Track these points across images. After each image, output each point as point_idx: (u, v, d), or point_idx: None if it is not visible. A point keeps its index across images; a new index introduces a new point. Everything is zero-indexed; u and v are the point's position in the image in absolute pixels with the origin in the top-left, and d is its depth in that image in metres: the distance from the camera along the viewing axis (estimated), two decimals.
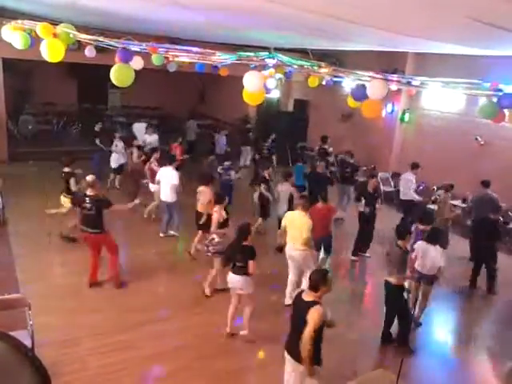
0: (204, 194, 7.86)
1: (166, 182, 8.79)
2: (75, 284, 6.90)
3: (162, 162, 9.41)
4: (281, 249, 7.43)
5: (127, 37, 6.29)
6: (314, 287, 4.14)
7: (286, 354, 4.34)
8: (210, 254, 6.77)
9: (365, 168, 13.10)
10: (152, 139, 12.59)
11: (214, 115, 19.75)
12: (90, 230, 6.74)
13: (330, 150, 12.73)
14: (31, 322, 4.84)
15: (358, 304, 7.70)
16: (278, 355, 4.65)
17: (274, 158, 13.70)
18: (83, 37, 5.53)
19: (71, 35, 5.18)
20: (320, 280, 4.14)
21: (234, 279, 5.79)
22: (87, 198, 6.69)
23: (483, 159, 10.88)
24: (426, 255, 6.38)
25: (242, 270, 5.67)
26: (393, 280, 5.96)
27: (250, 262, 5.58)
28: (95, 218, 6.69)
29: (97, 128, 12.35)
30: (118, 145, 11.55)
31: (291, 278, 6.91)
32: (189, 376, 5.28)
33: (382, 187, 12.12)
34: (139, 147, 11.22)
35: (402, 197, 10.45)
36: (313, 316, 3.93)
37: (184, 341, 5.89)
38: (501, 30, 3.87)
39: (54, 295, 6.65)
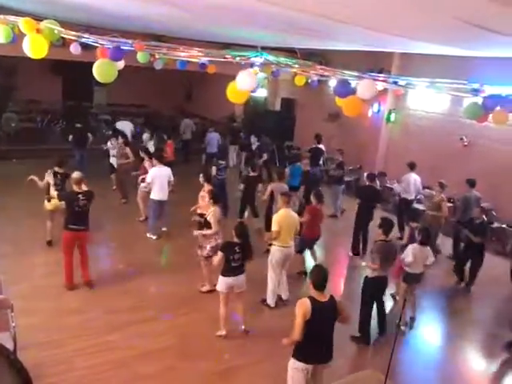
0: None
1: (163, 181, 8.64)
2: (59, 285, 6.80)
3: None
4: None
5: (113, 34, 6.22)
6: (322, 286, 4.17)
7: (310, 366, 4.24)
8: (206, 256, 6.77)
9: (351, 167, 13.16)
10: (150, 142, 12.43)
11: (201, 113, 19.66)
12: (81, 228, 6.60)
13: (323, 149, 12.75)
14: (14, 324, 4.75)
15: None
16: (264, 353, 4.66)
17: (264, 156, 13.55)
18: (68, 33, 5.44)
19: (55, 31, 5.08)
20: (327, 276, 4.22)
21: (239, 280, 5.87)
22: (80, 195, 6.51)
23: (468, 159, 11.01)
24: (420, 256, 6.47)
25: (243, 269, 5.84)
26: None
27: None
28: (87, 214, 6.63)
29: (78, 125, 12.28)
30: (113, 144, 11.32)
31: (276, 277, 6.84)
32: (175, 376, 5.24)
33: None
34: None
35: (407, 197, 10.36)
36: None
37: (170, 341, 5.85)
38: (487, 31, 3.90)
39: (38, 296, 6.55)
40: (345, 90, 5.17)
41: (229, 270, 5.76)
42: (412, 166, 10.36)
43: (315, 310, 4.05)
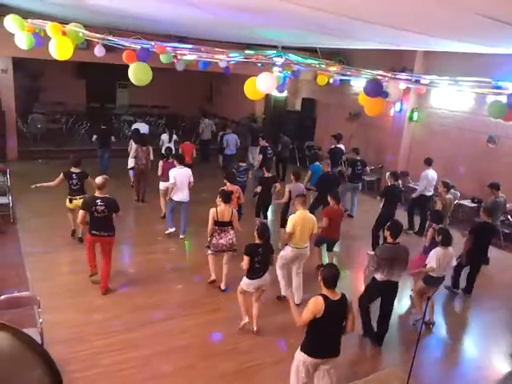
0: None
1: (184, 181, 8.69)
2: (84, 282, 6.94)
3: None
4: None
5: (136, 36, 6.32)
6: (333, 283, 4.21)
7: (317, 360, 4.32)
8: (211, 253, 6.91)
9: (372, 167, 13.05)
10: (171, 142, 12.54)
11: (222, 114, 19.77)
12: (103, 234, 6.54)
13: (343, 148, 12.69)
14: (40, 320, 4.88)
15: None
16: (285, 352, 4.67)
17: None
18: (92, 36, 5.55)
19: (80, 34, 5.19)
20: (338, 275, 4.25)
21: (265, 280, 5.94)
22: (99, 201, 6.46)
23: (492, 158, 10.80)
24: (443, 259, 6.34)
25: (267, 268, 5.91)
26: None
27: (273, 256, 5.98)
28: (107, 220, 6.53)
29: (103, 126, 12.49)
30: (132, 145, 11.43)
31: (281, 272, 6.92)
32: (195, 375, 5.29)
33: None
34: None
35: (426, 193, 10.24)
36: (351, 307, 4.29)
37: (191, 339, 5.90)
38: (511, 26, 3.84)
39: (64, 293, 6.69)
40: (376, 89, 5.13)
41: (253, 271, 5.81)
42: (429, 162, 10.24)
43: (328, 308, 4.10)
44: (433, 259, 6.31)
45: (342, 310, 4.23)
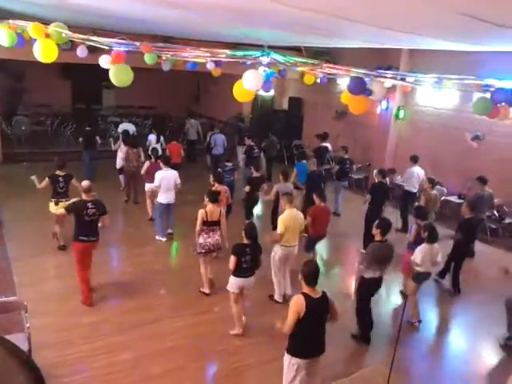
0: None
1: (170, 183, 8.63)
2: (71, 286, 6.84)
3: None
4: None
5: (120, 36, 6.26)
6: (314, 280, 4.21)
7: (305, 360, 4.32)
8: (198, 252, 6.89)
9: (360, 165, 13.12)
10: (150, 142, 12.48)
11: (209, 114, 19.73)
12: (92, 239, 6.38)
13: (329, 147, 12.76)
14: (28, 325, 4.82)
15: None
16: (276, 351, 4.68)
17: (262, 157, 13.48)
18: (76, 36, 5.49)
19: (63, 35, 5.13)
20: (318, 272, 4.26)
21: (250, 281, 5.94)
22: (89, 204, 6.28)
23: (479, 154, 10.91)
24: (429, 255, 6.41)
25: (254, 270, 5.91)
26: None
27: (260, 257, 5.93)
28: (97, 223, 6.41)
29: (88, 128, 12.43)
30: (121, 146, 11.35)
31: (279, 273, 6.91)
32: (185, 376, 5.27)
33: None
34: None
35: (409, 189, 10.42)
36: (333, 315, 4.32)
37: (180, 341, 5.87)
38: (494, 25, 3.88)
39: (51, 297, 6.63)
40: (359, 87, 5.14)
41: (240, 271, 5.79)
42: (415, 159, 10.40)
43: (309, 306, 4.10)
44: (418, 255, 6.36)
45: (323, 307, 4.24)
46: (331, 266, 8.84)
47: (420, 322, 6.77)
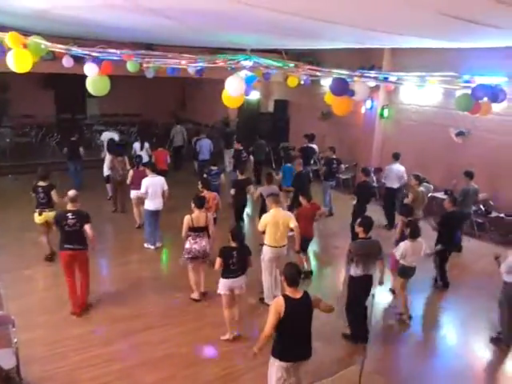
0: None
1: (157, 190, 8.59)
2: (60, 297, 6.77)
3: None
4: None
5: (101, 45, 6.23)
6: (295, 282, 4.22)
7: (290, 363, 4.31)
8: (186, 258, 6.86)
9: (347, 165, 13.18)
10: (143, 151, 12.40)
11: (195, 119, 19.70)
12: (76, 247, 6.35)
13: (315, 147, 12.81)
14: (15, 340, 4.75)
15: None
16: (268, 355, 4.65)
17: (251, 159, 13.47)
18: (55, 47, 5.45)
19: (42, 46, 5.09)
20: (299, 273, 4.30)
21: (239, 281, 5.91)
22: (69, 214, 6.31)
23: (463, 150, 11.02)
24: (413, 250, 6.52)
25: (243, 271, 5.89)
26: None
27: (249, 258, 5.89)
28: (79, 233, 6.36)
29: (74, 138, 12.33)
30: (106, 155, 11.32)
31: (270, 276, 6.92)
32: None
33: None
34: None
35: (392, 186, 10.58)
36: (318, 299, 4.28)
37: (172, 349, 5.84)
38: (473, 24, 3.93)
39: (39, 310, 6.55)
40: (341, 87, 5.16)
41: (228, 272, 5.81)
42: (396, 157, 10.60)
43: (289, 307, 4.10)
44: (399, 250, 6.54)
45: (305, 308, 4.22)
46: (324, 266, 8.85)
47: (410, 318, 6.82)
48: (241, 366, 5.58)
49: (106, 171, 11.22)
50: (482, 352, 6.31)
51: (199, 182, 8.39)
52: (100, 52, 5.84)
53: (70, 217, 6.30)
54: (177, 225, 7.07)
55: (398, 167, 10.55)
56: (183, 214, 6.94)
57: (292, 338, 4.22)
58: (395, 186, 10.53)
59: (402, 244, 6.59)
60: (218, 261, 5.74)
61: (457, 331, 6.93)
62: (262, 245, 7.00)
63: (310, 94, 14.18)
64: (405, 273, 6.71)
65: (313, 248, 8.90)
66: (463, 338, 6.73)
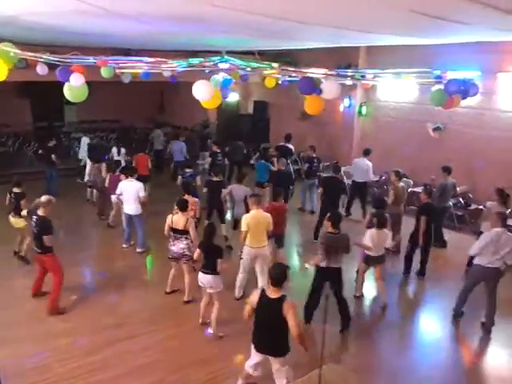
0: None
1: (129, 194, 8.63)
2: (40, 309, 6.68)
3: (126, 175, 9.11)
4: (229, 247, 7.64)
5: (73, 52, 6.16)
6: (278, 282, 4.29)
7: (259, 354, 4.55)
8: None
9: (328, 163, 13.26)
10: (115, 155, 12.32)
11: (174, 122, 19.61)
12: (37, 251, 6.66)
13: (291, 147, 12.87)
14: None
15: None
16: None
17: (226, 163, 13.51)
18: (25, 54, 5.37)
19: (12, 54, 5.01)
20: (283, 274, 4.33)
21: (205, 278, 6.04)
22: (34, 217, 6.58)
23: (440, 145, 11.18)
24: (378, 240, 6.81)
25: (211, 269, 5.97)
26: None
27: (219, 261, 5.91)
28: (39, 238, 6.52)
29: (51, 144, 12.20)
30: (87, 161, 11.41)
31: (244, 274, 7.05)
32: None
33: (345, 180, 12.40)
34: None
35: (356, 179, 11.07)
36: (289, 309, 4.20)
37: (158, 355, 5.79)
38: (443, 21, 3.99)
39: (20, 323, 6.42)
40: (308, 86, 5.20)
41: (202, 265, 6.08)
42: (365, 152, 11.00)
43: (260, 303, 4.33)
44: (367, 238, 6.84)
45: (273, 310, 4.26)
46: (302, 262, 8.89)
47: (385, 307, 7.09)
48: (227, 369, 5.55)
49: (87, 176, 11.40)
50: (466, 343, 6.43)
51: (182, 187, 8.39)
52: (73, 59, 5.78)
53: (33, 220, 6.61)
54: (161, 229, 7.04)
55: (364, 162, 10.90)
56: (165, 216, 6.94)
57: (257, 329, 4.49)
58: (360, 179, 10.95)
59: (367, 232, 6.93)
60: (197, 251, 6.12)
61: (435, 324, 7.01)
62: (228, 247, 7.41)
63: (288, 95, 14.20)
64: (370, 261, 7.09)
65: (294, 244, 9.06)
66: (445, 330, 6.79)
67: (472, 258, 6.84)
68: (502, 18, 3.60)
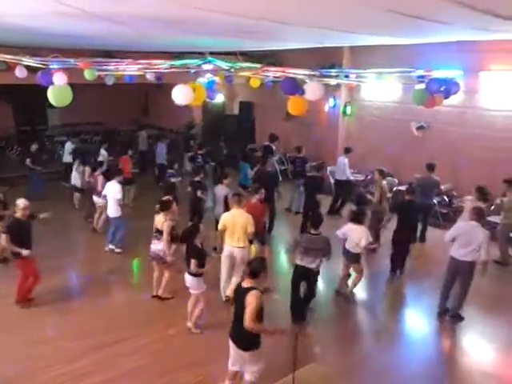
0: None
1: (110, 196, 8.72)
2: (22, 315, 6.59)
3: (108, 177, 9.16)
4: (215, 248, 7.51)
5: (54, 54, 6.08)
6: (254, 274, 4.35)
7: (230, 342, 4.60)
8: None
9: (314, 163, 13.28)
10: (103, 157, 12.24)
11: (159, 124, 19.52)
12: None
13: (274, 148, 12.90)
14: None
15: None
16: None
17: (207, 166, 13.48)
18: (3, 57, 5.30)
19: None
20: (260, 267, 4.39)
21: (187, 279, 6.08)
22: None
23: (424, 143, 11.27)
24: (351, 235, 6.94)
25: (191, 269, 5.96)
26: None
27: (192, 261, 5.87)
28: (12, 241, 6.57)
29: (33, 149, 12.07)
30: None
31: (225, 274, 6.99)
32: None
33: (331, 180, 12.47)
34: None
35: (337, 177, 11.51)
36: (250, 300, 4.19)
37: (146, 358, 5.73)
38: (419, 20, 4.02)
39: (3, 329, 6.31)
40: (291, 87, 5.21)
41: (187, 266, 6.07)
42: (346, 150, 11.40)
43: (235, 292, 4.52)
44: (341, 230, 7.08)
45: (242, 299, 4.29)
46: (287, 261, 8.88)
47: (339, 292, 7.35)
48: (216, 372, 5.50)
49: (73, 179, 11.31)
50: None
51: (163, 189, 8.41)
52: (54, 61, 5.70)
53: (6, 223, 6.71)
54: (147, 231, 7.01)
55: (343, 160, 11.28)
56: (146, 218, 6.93)
57: (233, 319, 4.55)
58: (339, 178, 11.38)
59: (345, 226, 7.13)
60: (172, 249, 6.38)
61: (421, 320, 7.04)
62: (215, 249, 7.30)
63: (273, 95, 14.18)
64: (346, 255, 7.24)
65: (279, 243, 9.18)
66: (428, 327, 6.83)
67: None
68: (478, 17, 3.64)
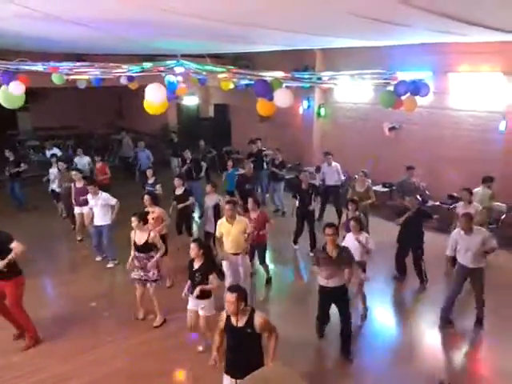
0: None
1: (94, 205, 8.35)
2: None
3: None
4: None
5: (21, 58, 5.96)
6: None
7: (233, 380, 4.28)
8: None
9: (290, 165, 13.34)
10: (83, 162, 11.85)
11: (134, 128, 19.31)
12: None
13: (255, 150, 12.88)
14: None
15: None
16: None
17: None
18: None
19: None
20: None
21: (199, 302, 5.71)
22: None
23: (396, 143, 11.45)
24: (356, 244, 6.56)
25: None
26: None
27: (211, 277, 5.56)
28: None
29: (9, 156, 11.67)
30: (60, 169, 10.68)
31: (228, 277, 6.78)
32: None
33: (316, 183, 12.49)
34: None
35: (328, 183, 10.81)
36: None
37: (121, 363, 5.66)
38: (381, 22, 4.08)
39: None
40: (263, 89, 5.22)
41: None
42: (324, 155, 10.87)
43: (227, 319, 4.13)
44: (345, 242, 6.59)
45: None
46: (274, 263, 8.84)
47: (367, 309, 6.93)
48: (199, 373, 5.46)
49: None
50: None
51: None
52: (20, 65, 5.59)
53: None
54: (122, 240, 6.83)
55: (334, 165, 10.82)
56: (127, 228, 6.73)
57: (229, 351, 4.24)
58: (330, 183, 10.76)
59: (362, 235, 6.64)
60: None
61: (416, 323, 7.05)
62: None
63: (248, 97, 14.17)
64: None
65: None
66: (424, 329, 6.77)
67: (454, 258, 6.54)
68: (436, 20, 3.71)
